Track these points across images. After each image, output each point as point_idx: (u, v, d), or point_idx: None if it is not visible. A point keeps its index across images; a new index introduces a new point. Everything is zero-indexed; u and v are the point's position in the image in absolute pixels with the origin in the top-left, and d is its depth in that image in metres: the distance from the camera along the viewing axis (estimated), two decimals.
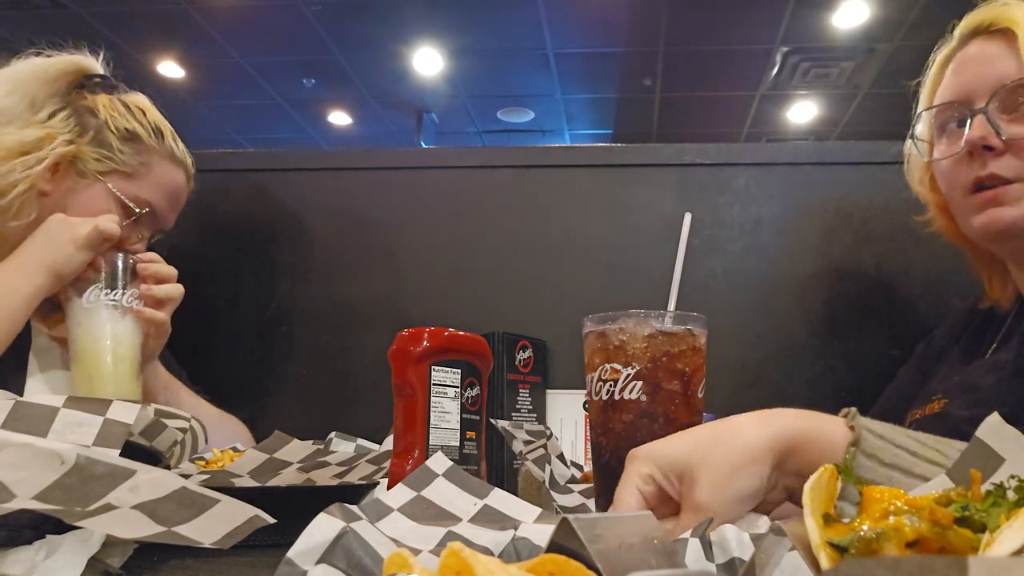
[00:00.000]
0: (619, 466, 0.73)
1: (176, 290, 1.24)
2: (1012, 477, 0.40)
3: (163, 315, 1.22)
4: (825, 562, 0.37)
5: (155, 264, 1.23)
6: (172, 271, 1.24)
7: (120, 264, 1.18)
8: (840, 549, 0.37)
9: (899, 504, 0.39)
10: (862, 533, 0.37)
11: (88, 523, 0.46)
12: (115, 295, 1.17)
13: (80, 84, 1.28)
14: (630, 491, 0.67)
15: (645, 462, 0.67)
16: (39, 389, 1.19)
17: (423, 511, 0.57)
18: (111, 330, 1.16)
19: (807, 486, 0.42)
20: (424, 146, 6.73)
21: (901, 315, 1.48)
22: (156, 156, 1.29)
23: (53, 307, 1.21)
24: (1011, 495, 0.39)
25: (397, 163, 1.72)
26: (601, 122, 7.08)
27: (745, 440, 0.66)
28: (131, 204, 1.25)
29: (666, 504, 0.68)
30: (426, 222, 1.64)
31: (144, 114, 1.30)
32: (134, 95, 1.32)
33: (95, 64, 1.31)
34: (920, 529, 0.37)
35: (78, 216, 1.20)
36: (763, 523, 0.63)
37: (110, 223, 1.18)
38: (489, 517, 0.58)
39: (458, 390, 0.83)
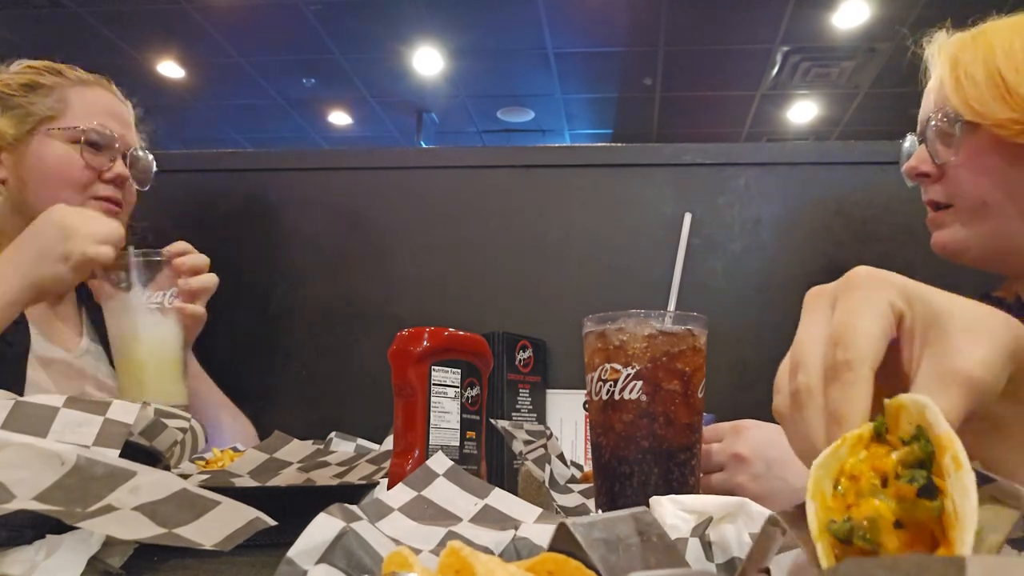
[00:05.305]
0: (619, 466, 0.73)
1: (211, 280, 1.24)
2: (918, 427, 0.40)
3: (202, 309, 1.23)
4: (822, 555, 0.37)
5: (190, 257, 1.21)
6: (205, 260, 1.24)
7: (156, 263, 1.17)
8: (842, 540, 0.38)
9: (874, 483, 0.39)
10: (856, 524, 0.38)
11: (88, 524, 0.46)
12: (157, 298, 1.15)
13: None
14: (882, 323, 0.46)
15: (896, 293, 0.48)
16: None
17: (423, 511, 0.57)
18: (157, 333, 1.15)
19: (816, 462, 0.41)
20: (424, 146, 6.73)
21: None
22: (66, 89, 1.29)
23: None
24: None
25: (397, 163, 1.72)
26: (601, 122, 7.07)
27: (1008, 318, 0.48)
28: (75, 133, 1.25)
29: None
30: (426, 222, 1.64)
31: (30, 67, 1.30)
32: (14, 64, 1.33)
33: None
34: (893, 508, 0.37)
35: (50, 177, 1.22)
36: (763, 523, 0.63)
37: (105, 250, 1.09)
38: (490, 517, 0.58)
39: (458, 390, 0.83)
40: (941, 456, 0.37)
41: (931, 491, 0.37)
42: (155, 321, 1.15)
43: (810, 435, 0.45)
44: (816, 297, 0.51)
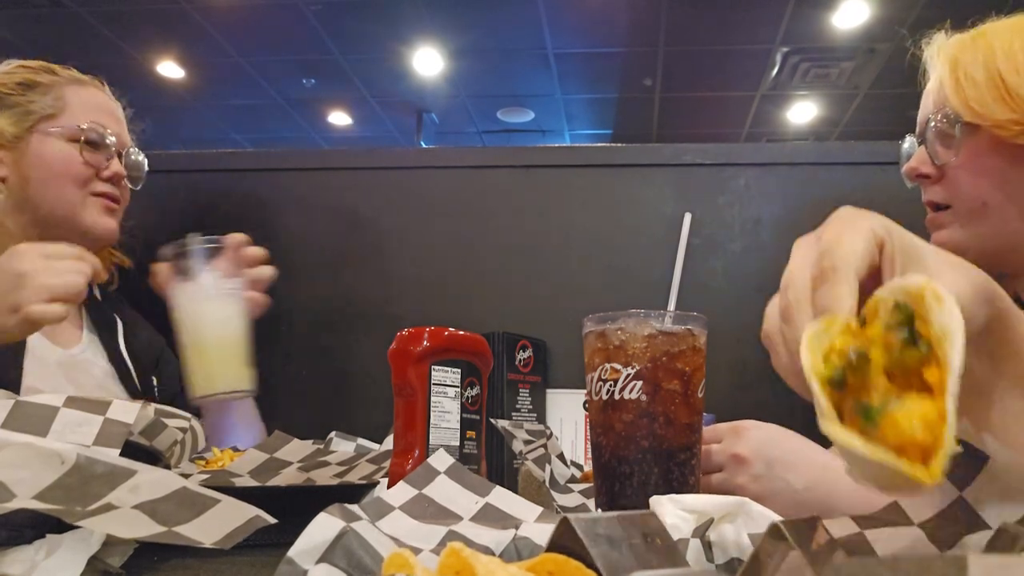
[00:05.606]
0: (619, 466, 0.73)
1: (272, 270, 1.28)
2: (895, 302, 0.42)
3: (267, 297, 1.26)
4: (819, 396, 0.40)
5: (253, 248, 1.26)
6: (264, 252, 1.28)
7: (218, 250, 1.20)
8: (836, 385, 0.40)
9: (857, 345, 0.42)
10: (849, 367, 0.41)
11: (88, 523, 0.46)
12: (231, 285, 1.18)
13: None
14: (865, 241, 0.49)
15: (878, 223, 0.50)
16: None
17: (424, 509, 0.57)
18: (231, 320, 1.17)
19: (806, 336, 0.43)
20: (424, 146, 6.73)
21: None
22: (63, 87, 1.30)
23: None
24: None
25: (397, 163, 1.72)
26: (601, 122, 7.07)
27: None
28: (74, 132, 1.26)
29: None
30: (426, 222, 1.64)
31: (24, 66, 1.31)
32: (5, 64, 1.33)
33: None
34: (882, 357, 0.40)
35: (52, 174, 1.23)
36: (763, 522, 0.63)
37: (53, 311, 0.97)
38: (490, 516, 0.58)
39: (458, 390, 0.83)
40: (921, 301, 0.39)
41: (915, 340, 0.39)
42: (230, 308, 1.18)
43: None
44: (803, 239, 0.55)
